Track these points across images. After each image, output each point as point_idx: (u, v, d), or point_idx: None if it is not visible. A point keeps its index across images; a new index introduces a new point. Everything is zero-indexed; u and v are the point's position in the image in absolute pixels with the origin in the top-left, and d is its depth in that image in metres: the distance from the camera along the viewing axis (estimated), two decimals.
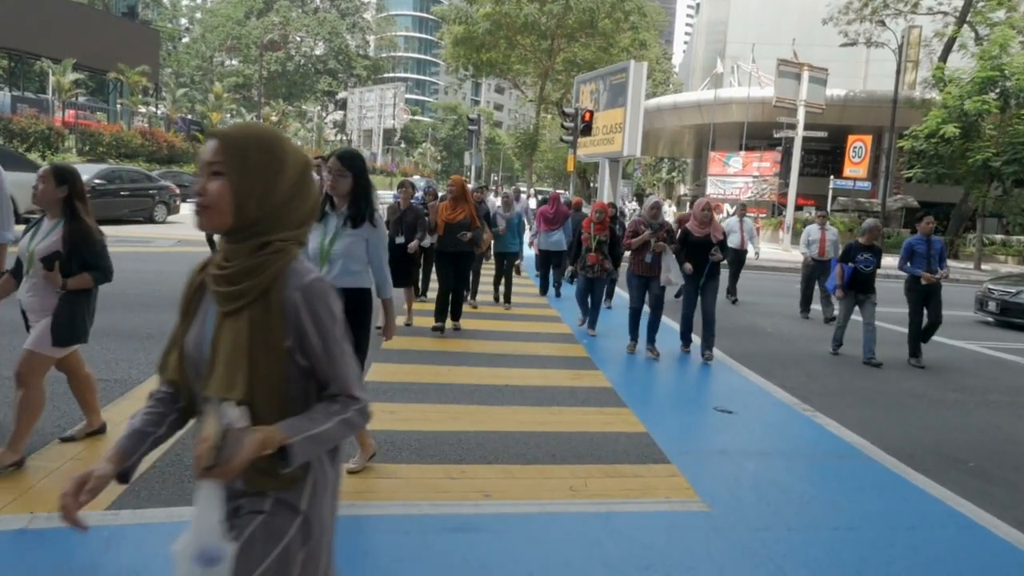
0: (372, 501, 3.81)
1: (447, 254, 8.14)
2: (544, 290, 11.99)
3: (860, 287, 8.67)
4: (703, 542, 3.62)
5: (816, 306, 12.23)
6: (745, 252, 13.27)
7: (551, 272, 11.95)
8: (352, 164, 3.82)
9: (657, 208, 8.02)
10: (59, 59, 36.57)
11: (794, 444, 5.43)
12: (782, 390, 6.90)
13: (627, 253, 8.17)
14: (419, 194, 11.67)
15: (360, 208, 3.87)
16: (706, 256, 7.79)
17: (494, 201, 19.42)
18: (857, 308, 8.79)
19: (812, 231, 12.17)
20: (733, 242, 12.58)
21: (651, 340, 7.95)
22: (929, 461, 5.25)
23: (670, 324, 9.11)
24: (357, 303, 3.87)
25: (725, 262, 9.24)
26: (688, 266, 7.82)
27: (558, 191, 17.97)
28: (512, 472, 4.39)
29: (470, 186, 10.57)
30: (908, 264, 8.71)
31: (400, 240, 7.97)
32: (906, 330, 8.79)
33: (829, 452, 5.23)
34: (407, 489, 4.00)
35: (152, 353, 6.29)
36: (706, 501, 4.10)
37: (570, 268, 9.08)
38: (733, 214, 13.86)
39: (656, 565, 3.36)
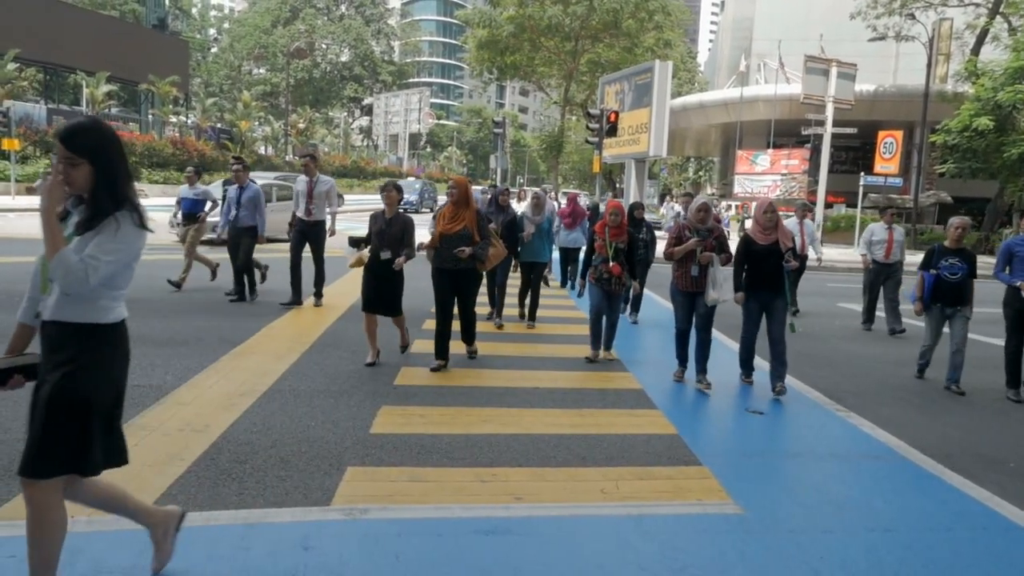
0: (403, 504, 3.83)
1: (445, 272, 6.69)
2: (564, 283, 12.65)
3: (947, 299, 7.28)
4: (737, 545, 3.59)
5: (881, 313, 10.94)
6: (807, 257, 11.40)
7: (568, 268, 12.29)
8: (83, 145, 2.48)
9: (705, 211, 6.61)
10: (92, 72, 37.37)
11: (828, 445, 5.36)
12: (815, 390, 6.82)
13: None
14: (411, 198, 10.61)
15: (100, 204, 2.51)
16: (773, 268, 6.42)
17: (523, 208, 19.41)
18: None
19: (877, 230, 10.81)
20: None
21: (701, 369, 6.65)
22: (967, 462, 5.15)
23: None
24: (85, 342, 2.55)
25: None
26: (740, 295, 6.56)
27: (575, 192, 18.09)
28: (543, 475, 4.38)
29: (476, 188, 9.66)
30: (1005, 271, 7.15)
31: (386, 255, 6.59)
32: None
33: (864, 453, 5.16)
34: (438, 492, 4.02)
35: (187, 359, 6.38)
36: (739, 503, 4.07)
37: (580, 281, 7.66)
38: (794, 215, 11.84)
39: (689, 568, 3.34)
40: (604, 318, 7.47)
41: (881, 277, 10.72)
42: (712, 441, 5.27)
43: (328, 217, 9.45)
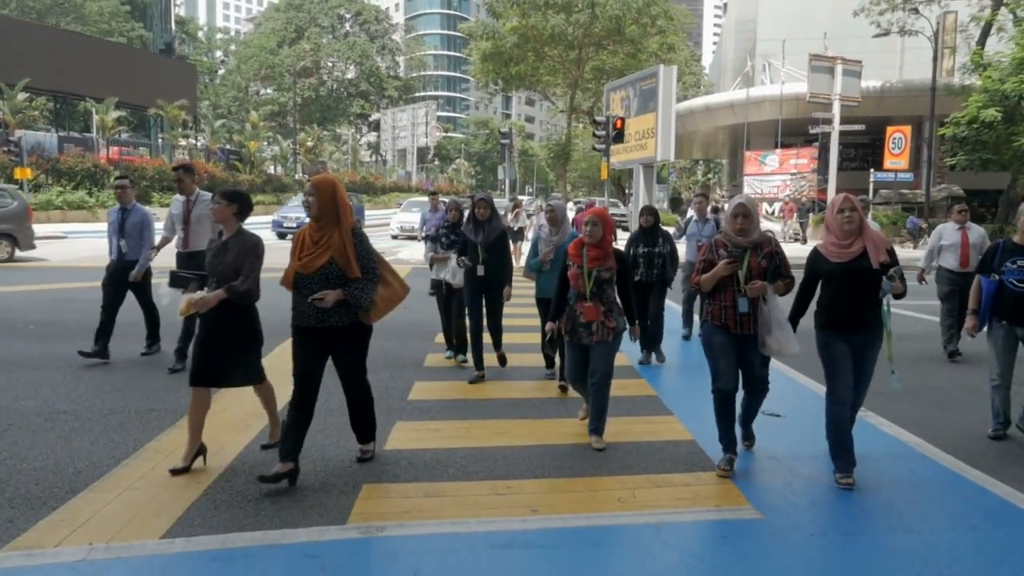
0: (419, 520, 3.82)
1: (304, 332, 4.28)
2: None
3: (1016, 315, 5.32)
4: (757, 550, 3.55)
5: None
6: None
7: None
8: None
9: (746, 215, 4.47)
10: (101, 98, 37.75)
11: None
12: None
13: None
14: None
15: None
16: (860, 295, 4.29)
17: (517, 222, 18.94)
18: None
19: (947, 232, 8.40)
20: None
21: (744, 424, 5.03)
22: (990, 458, 5.09)
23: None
24: None
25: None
26: (792, 346, 4.41)
27: (592, 199, 18.04)
28: (559, 486, 4.36)
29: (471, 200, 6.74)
30: None
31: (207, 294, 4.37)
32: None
33: (883, 453, 5.10)
34: (454, 506, 4.00)
35: None
36: (758, 508, 4.03)
37: (548, 326, 5.26)
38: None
39: (710, 575, 3.31)
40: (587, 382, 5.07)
41: (958, 288, 8.16)
42: None
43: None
